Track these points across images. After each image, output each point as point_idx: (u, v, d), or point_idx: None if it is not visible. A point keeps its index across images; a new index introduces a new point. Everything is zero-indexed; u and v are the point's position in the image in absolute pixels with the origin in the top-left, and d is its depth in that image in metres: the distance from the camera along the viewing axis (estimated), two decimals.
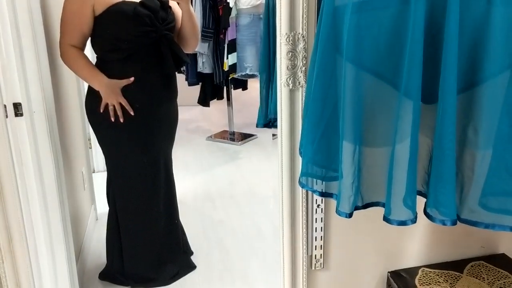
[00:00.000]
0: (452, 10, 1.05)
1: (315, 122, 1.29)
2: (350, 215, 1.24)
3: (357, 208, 1.25)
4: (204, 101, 4.49)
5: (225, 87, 4.51)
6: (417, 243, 1.78)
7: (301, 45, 1.50)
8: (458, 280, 1.71)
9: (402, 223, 1.19)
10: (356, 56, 1.16)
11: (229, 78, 4.27)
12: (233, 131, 4.75)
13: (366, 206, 1.27)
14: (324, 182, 1.34)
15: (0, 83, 1.53)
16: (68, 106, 2.51)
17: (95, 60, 2.11)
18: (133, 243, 2.26)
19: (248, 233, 2.86)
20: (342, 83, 1.20)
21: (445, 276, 1.73)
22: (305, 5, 1.45)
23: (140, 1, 1.97)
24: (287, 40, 1.49)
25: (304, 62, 1.51)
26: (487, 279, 1.71)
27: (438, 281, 1.70)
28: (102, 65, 2.04)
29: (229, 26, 4.04)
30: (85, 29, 1.98)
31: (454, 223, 1.13)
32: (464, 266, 1.79)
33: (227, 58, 4.11)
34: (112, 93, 1.97)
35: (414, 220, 1.18)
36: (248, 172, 3.91)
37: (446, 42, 1.07)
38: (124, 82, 1.97)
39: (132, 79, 1.97)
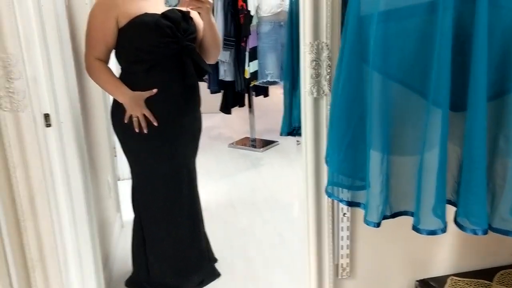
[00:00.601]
0: (480, 18, 1.05)
1: (341, 131, 1.29)
2: (378, 225, 1.23)
3: (385, 217, 1.24)
4: (226, 108, 4.52)
5: (246, 94, 4.53)
6: (445, 251, 1.76)
7: (325, 54, 1.50)
8: None
9: (432, 232, 1.18)
10: (383, 66, 1.16)
11: (251, 85, 4.29)
12: (255, 138, 4.76)
13: (394, 215, 1.26)
14: (350, 192, 1.34)
15: (31, 95, 1.56)
16: (94, 116, 2.55)
17: (119, 71, 2.14)
18: (157, 251, 2.28)
19: (272, 240, 2.86)
20: (368, 92, 1.20)
21: (475, 285, 1.70)
22: (329, 14, 1.46)
23: (162, 13, 2.00)
24: (311, 49, 1.50)
25: (329, 70, 1.51)
26: None
27: None
28: (126, 76, 2.07)
29: (250, 34, 4.06)
30: (110, 42, 2.01)
31: (485, 233, 1.12)
32: (494, 275, 1.76)
33: (248, 65, 4.13)
34: (135, 105, 2.00)
35: (444, 230, 1.17)
36: (270, 178, 3.91)
37: (475, 49, 1.07)
38: (147, 94, 2.00)
39: (155, 90, 1.99)
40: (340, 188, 1.36)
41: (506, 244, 1.80)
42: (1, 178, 1.56)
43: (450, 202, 1.22)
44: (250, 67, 4.12)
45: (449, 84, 1.11)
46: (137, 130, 2.04)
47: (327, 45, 1.49)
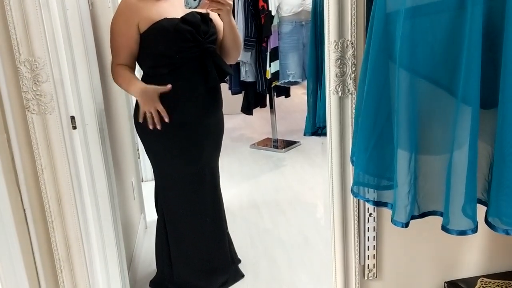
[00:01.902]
0: (511, 13, 1.02)
1: (368, 130, 1.28)
2: (406, 225, 1.21)
3: (413, 217, 1.22)
4: (247, 109, 4.52)
5: (267, 95, 4.53)
6: (475, 251, 1.72)
7: (350, 52, 1.49)
8: None
9: (462, 233, 1.15)
10: (410, 63, 1.14)
11: (272, 85, 4.28)
12: (277, 139, 4.75)
13: (423, 215, 1.24)
14: (377, 191, 1.32)
15: (58, 98, 1.58)
16: (118, 118, 2.57)
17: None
18: (181, 252, 2.29)
19: (295, 241, 2.85)
20: (395, 90, 1.18)
21: (505, 287, 1.66)
22: (353, 11, 1.44)
23: (181, 17, 2.01)
24: (336, 47, 1.48)
25: (354, 69, 1.49)
26: None
27: None
28: (148, 80, 2.08)
29: (271, 34, 4.05)
30: (133, 48, 2.03)
31: None
32: None
33: (270, 66, 4.12)
34: (149, 99, 1.99)
35: (474, 230, 1.15)
36: (293, 179, 3.89)
37: (506, 45, 1.04)
38: (161, 88, 1.98)
39: (169, 86, 1.98)
40: (367, 188, 1.34)
41: None
42: (29, 179, 1.59)
43: (480, 202, 1.19)
44: (272, 68, 4.12)
45: (479, 81, 1.09)
46: (151, 127, 2.01)
47: (352, 43, 1.48)
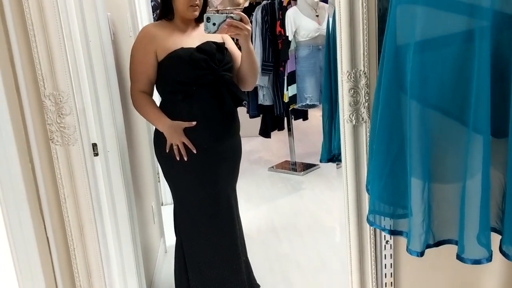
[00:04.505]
0: None
1: (382, 159, 1.30)
2: (421, 254, 1.22)
3: (428, 246, 1.23)
4: (265, 132, 4.56)
5: (285, 118, 4.56)
6: (494, 279, 1.70)
7: (363, 82, 1.52)
8: None
9: (477, 262, 1.15)
10: (421, 94, 1.16)
11: (290, 109, 4.32)
12: (295, 161, 4.76)
13: (438, 244, 1.24)
14: (392, 220, 1.33)
15: (80, 126, 1.63)
16: (138, 143, 2.63)
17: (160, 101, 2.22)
18: (198, 276, 2.30)
19: (314, 266, 2.84)
20: (407, 120, 1.20)
21: None
22: (365, 43, 1.48)
23: (196, 46, 2.07)
24: (349, 77, 1.52)
25: (367, 98, 1.52)
26: None
27: None
28: (166, 106, 2.16)
29: (288, 59, 4.11)
30: (151, 75, 2.11)
31: None
32: None
33: (287, 89, 4.17)
34: (175, 133, 2.08)
35: (489, 259, 1.15)
36: (312, 203, 3.89)
37: None
38: (186, 124, 2.08)
39: (194, 123, 2.07)
40: (382, 216, 1.35)
41: None
42: (52, 208, 1.64)
43: (495, 230, 1.19)
44: (289, 91, 4.16)
45: (489, 110, 1.10)
46: (178, 158, 2.10)
47: (364, 73, 1.51)
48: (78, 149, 1.62)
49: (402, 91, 1.21)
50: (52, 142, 1.57)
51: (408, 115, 1.19)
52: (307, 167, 4.67)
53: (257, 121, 4.53)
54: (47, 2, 1.48)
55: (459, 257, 1.17)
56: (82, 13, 1.65)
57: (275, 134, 4.69)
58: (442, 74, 1.14)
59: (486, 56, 1.07)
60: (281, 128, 4.63)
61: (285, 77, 4.16)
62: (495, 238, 1.18)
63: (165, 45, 2.07)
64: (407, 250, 1.23)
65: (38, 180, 1.57)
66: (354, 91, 1.52)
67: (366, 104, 1.52)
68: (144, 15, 3.17)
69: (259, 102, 4.34)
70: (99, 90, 1.78)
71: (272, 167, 4.79)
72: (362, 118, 1.54)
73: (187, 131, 2.09)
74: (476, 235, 1.15)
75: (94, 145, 1.79)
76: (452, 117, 1.17)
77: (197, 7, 2.09)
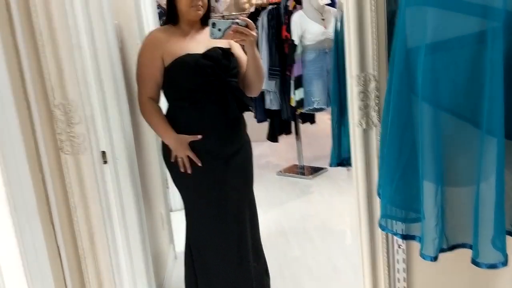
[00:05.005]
0: None
1: (393, 162, 1.28)
2: (435, 259, 1.20)
3: (442, 250, 1.22)
4: (273, 136, 4.55)
5: (293, 122, 4.55)
6: (510, 282, 1.68)
7: (372, 85, 1.50)
8: None
9: (492, 266, 1.14)
10: (433, 97, 1.15)
11: (297, 113, 4.31)
12: (303, 165, 4.75)
13: (452, 248, 1.23)
14: (405, 224, 1.32)
15: (90, 138, 1.63)
16: (146, 150, 2.63)
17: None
18: (206, 282, 2.29)
19: (325, 270, 2.83)
20: (419, 123, 1.19)
21: None
22: (375, 46, 1.46)
23: (203, 53, 2.07)
24: (358, 81, 1.50)
25: (377, 101, 1.51)
26: None
27: None
28: (172, 111, 2.16)
29: (294, 63, 4.10)
30: (158, 80, 2.11)
31: None
32: None
33: (294, 93, 4.16)
34: (180, 147, 2.09)
35: (505, 263, 1.13)
36: (321, 206, 3.88)
37: None
38: (191, 137, 2.09)
39: (199, 136, 2.08)
40: (394, 221, 1.34)
41: None
42: (63, 217, 1.64)
43: (510, 233, 1.17)
44: (296, 95, 4.15)
45: (503, 112, 1.09)
46: (182, 170, 2.12)
47: (374, 77, 1.49)
48: (87, 158, 1.62)
49: (413, 94, 1.20)
50: (62, 151, 1.57)
51: (420, 118, 1.18)
52: (315, 170, 4.65)
53: (265, 126, 4.53)
54: (56, 12, 1.48)
55: (473, 262, 1.15)
56: (90, 22, 1.65)
57: (282, 138, 4.68)
58: (454, 76, 1.13)
59: (499, 57, 1.06)
60: (288, 132, 4.63)
61: (292, 81, 4.15)
62: (511, 242, 1.17)
63: (171, 50, 2.08)
64: (420, 255, 1.22)
65: (48, 190, 1.57)
66: (363, 95, 1.51)
67: (376, 108, 1.51)
68: (151, 23, 3.18)
69: (266, 107, 4.34)
70: (107, 98, 1.78)
71: (281, 171, 4.78)
72: (372, 122, 1.53)
73: (194, 135, 2.09)
74: (491, 239, 1.14)
75: (103, 153, 1.79)
76: (465, 119, 1.16)
77: (199, 6, 2.09)
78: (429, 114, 1.17)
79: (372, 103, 1.51)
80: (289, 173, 4.72)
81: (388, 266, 1.59)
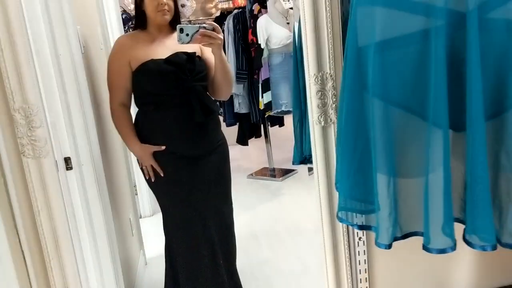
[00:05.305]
0: (472, 41, 1.09)
1: (349, 157, 1.33)
2: (389, 246, 1.25)
3: (396, 238, 1.27)
4: (242, 140, 4.59)
5: (262, 125, 4.60)
6: (465, 270, 1.75)
7: (329, 84, 1.56)
8: None
9: (442, 251, 1.20)
10: (382, 92, 1.20)
11: (266, 116, 4.36)
12: (273, 168, 4.79)
13: (405, 236, 1.28)
14: (364, 216, 1.37)
15: (51, 140, 1.63)
16: (114, 156, 2.63)
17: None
18: (184, 277, 2.30)
19: (295, 270, 2.86)
20: (371, 118, 1.24)
21: None
22: (331, 46, 1.51)
23: (165, 58, 2.10)
24: (316, 80, 1.55)
25: (334, 99, 1.56)
26: None
27: None
28: (139, 115, 2.19)
29: (262, 66, 4.15)
30: (128, 85, 2.14)
31: (494, 248, 1.14)
32: None
33: (262, 97, 4.21)
34: (144, 156, 2.14)
35: (453, 248, 1.19)
36: (292, 207, 3.92)
37: (470, 72, 1.11)
38: (155, 148, 2.13)
39: (163, 147, 2.12)
40: (354, 213, 1.39)
41: None
42: (26, 221, 1.63)
43: (458, 220, 1.24)
44: (264, 98, 4.20)
45: (447, 104, 1.15)
46: (147, 177, 2.17)
47: (331, 76, 1.54)
48: (50, 162, 1.62)
49: (365, 90, 1.25)
50: (24, 155, 1.57)
51: (371, 113, 1.23)
52: (285, 172, 4.70)
53: (234, 129, 4.55)
54: (14, 16, 1.49)
55: (425, 247, 1.21)
56: (51, 27, 1.66)
57: (252, 141, 4.71)
58: (402, 73, 1.18)
59: (441, 53, 1.12)
60: (258, 135, 4.67)
61: (260, 85, 4.20)
62: (460, 228, 1.22)
63: (137, 56, 2.10)
64: (375, 243, 1.27)
65: (11, 194, 1.57)
66: (321, 94, 1.56)
67: (334, 105, 1.56)
68: (115, 28, 3.18)
69: (235, 110, 4.37)
70: (70, 103, 1.78)
71: (251, 174, 4.81)
72: (331, 119, 1.58)
73: (159, 141, 2.12)
74: (440, 226, 1.19)
75: (68, 159, 1.79)
76: (413, 113, 1.22)
77: (166, 11, 2.11)
78: (380, 109, 1.22)
79: (330, 101, 1.56)
80: (260, 176, 4.75)
81: (350, 258, 1.64)
